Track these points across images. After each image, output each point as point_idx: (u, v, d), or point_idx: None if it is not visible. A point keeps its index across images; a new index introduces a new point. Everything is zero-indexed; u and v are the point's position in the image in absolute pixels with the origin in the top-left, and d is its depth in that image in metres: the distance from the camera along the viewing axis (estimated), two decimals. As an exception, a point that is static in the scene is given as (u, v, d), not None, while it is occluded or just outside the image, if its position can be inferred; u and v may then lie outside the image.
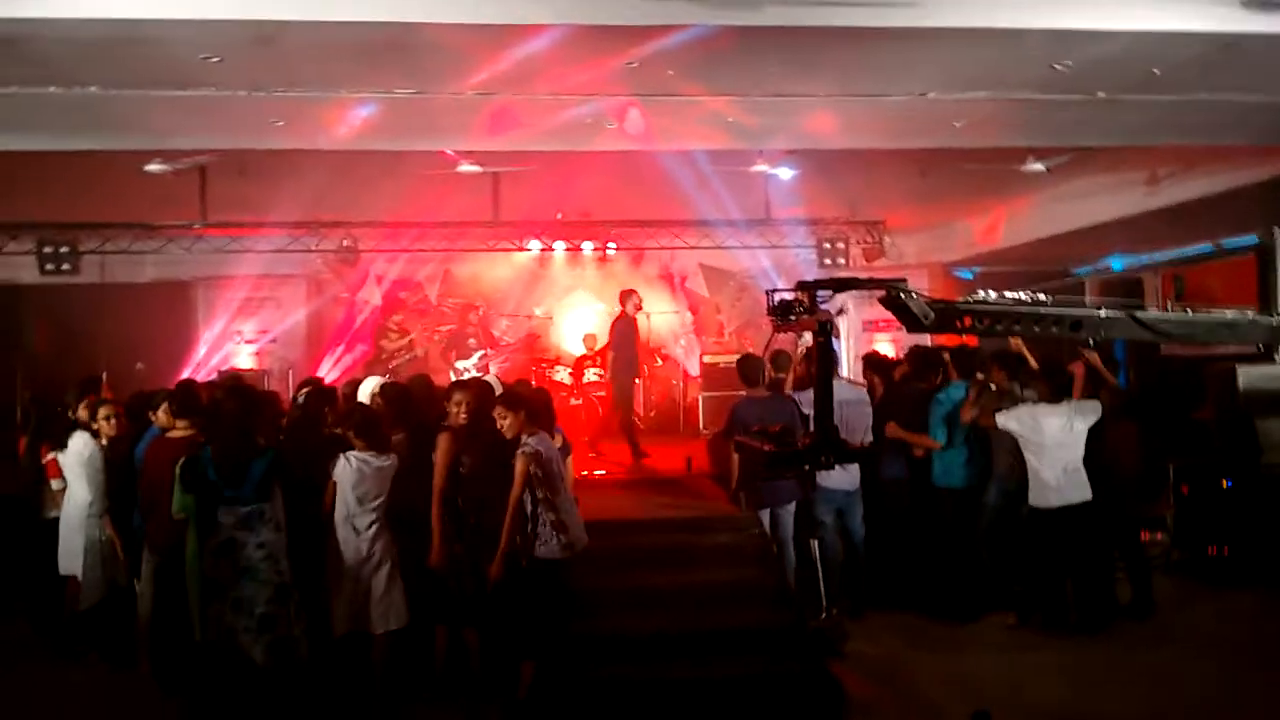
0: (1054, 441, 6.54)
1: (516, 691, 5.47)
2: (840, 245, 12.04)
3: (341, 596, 5.48)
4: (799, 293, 3.69)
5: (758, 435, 3.66)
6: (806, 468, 3.76)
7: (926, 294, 3.80)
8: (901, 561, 7.16)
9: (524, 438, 5.52)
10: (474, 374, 10.20)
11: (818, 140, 8.04)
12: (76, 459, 6.40)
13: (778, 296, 3.70)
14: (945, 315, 3.70)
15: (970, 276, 14.40)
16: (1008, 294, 3.85)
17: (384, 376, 8.22)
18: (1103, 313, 3.81)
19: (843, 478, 6.99)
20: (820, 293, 4.25)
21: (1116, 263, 12.64)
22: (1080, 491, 6.60)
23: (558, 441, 6.03)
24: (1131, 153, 9.06)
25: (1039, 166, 9.11)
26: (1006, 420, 6.66)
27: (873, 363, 8.27)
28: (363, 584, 5.50)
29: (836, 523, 7.11)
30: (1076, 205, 10.82)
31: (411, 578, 5.66)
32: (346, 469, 5.48)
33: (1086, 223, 10.79)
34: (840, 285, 4.07)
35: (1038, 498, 6.61)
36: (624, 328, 10.26)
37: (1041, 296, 3.89)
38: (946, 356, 7.56)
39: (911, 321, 3.63)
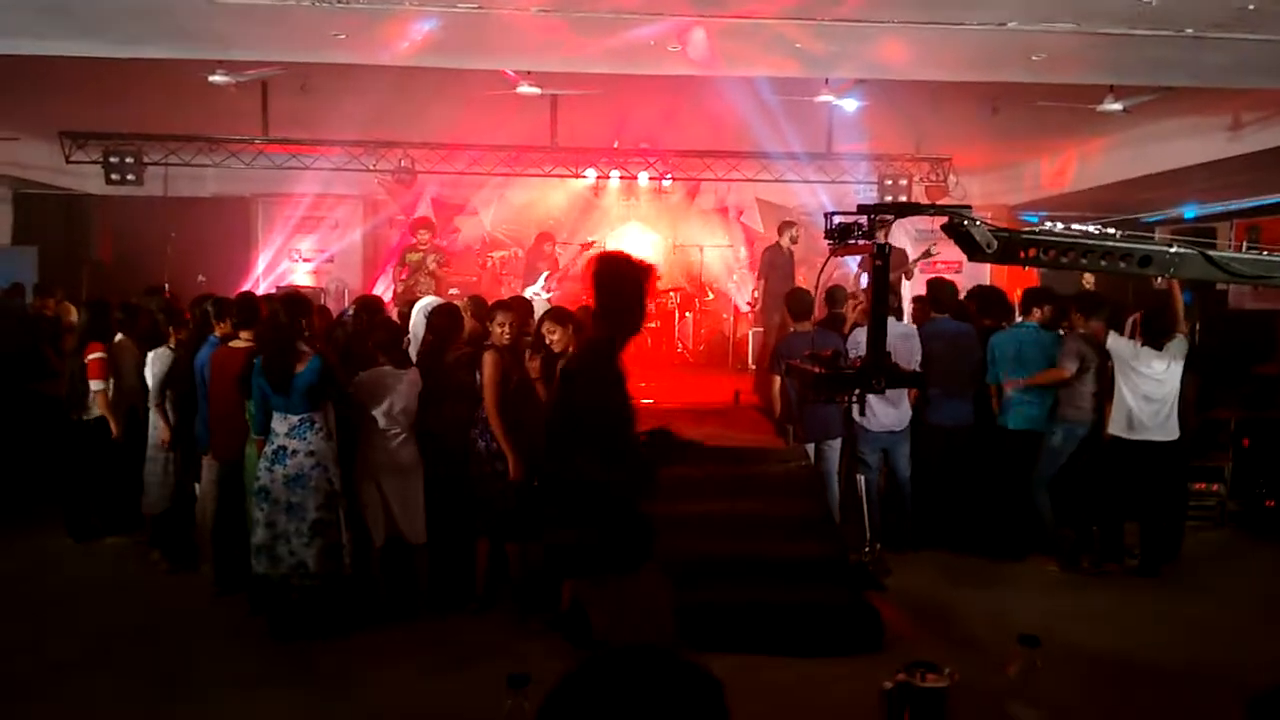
0: (1151, 374, 6.54)
1: (558, 605, 5.57)
2: (903, 182, 11.77)
3: (371, 506, 5.60)
4: (859, 216, 3.61)
5: (808, 359, 3.61)
6: (857, 391, 3.68)
7: (990, 221, 3.67)
8: (952, 502, 7.12)
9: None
10: (545, 298, 10.24)
11: (887, 70, 7.80)
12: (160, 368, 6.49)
13: (836, 220, 3.62)
14: (1009, 245, 3.59)
15: (1036, 220, 14.04)
16: (1075, 226, 3.72)
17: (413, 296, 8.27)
18: (1173, 249, 3.66)
19: (890, 417, 6.95)
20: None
21: (1189, 210, 12.22)
22: (1165, 431, 6.59)
23: None
24: (1215, 95, 8.67)
25: (1117, 106, 8.75)
26: (1116, 341, 6.66)
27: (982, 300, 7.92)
28: (393, 495, 5.63)
29: (882, 461, 7.08)
30: (1153, 149, 10.43)
31: (452, 494, 5.77)
32: (360, 384, 5.60)
33: (1162, 167, 10.42)
34: (902, 210, 3.96)
35: (1120, 426, 6.59)
36: (773, 259, 10.22)
37: (1110, 230, 3.75)
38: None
39: (974, 249, 3.53)
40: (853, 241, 3.58)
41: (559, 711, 1.17)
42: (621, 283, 3.82)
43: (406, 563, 5.79)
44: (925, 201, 12.30)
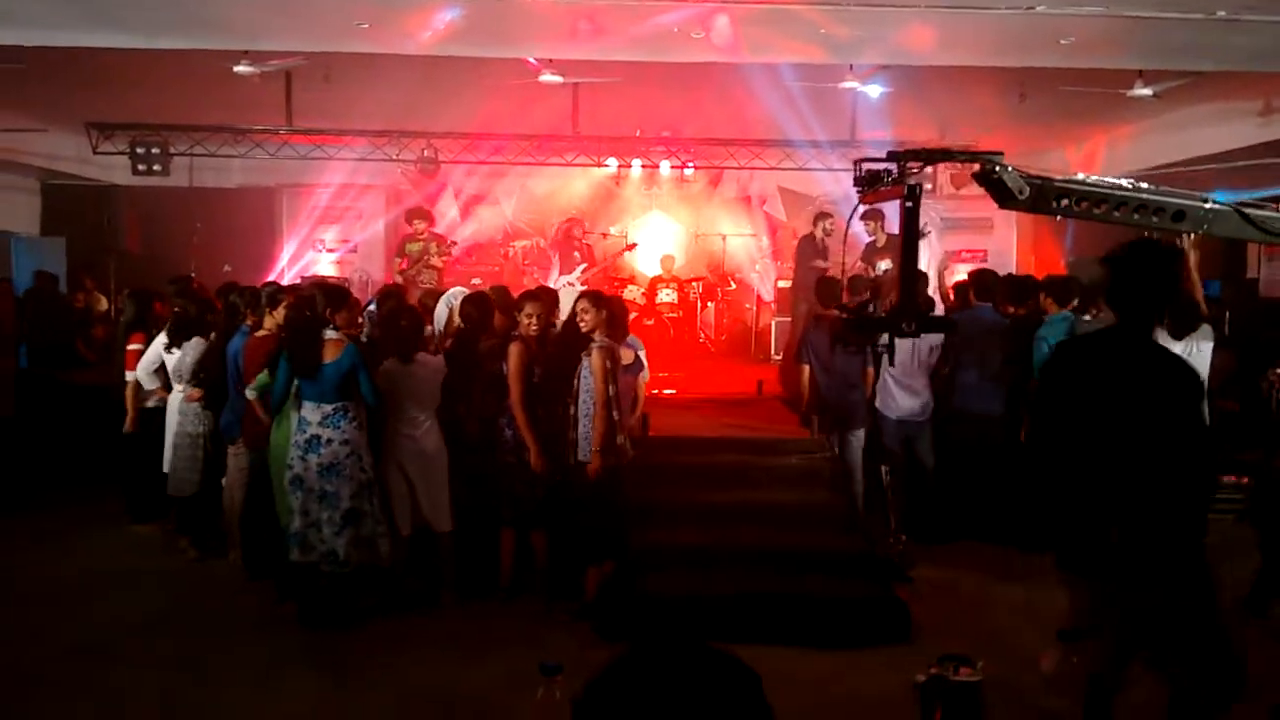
0: None
1: (584, 595, 5.59)
2: (927, 169, 11.65)
3: (397, 495, 5.62)
4: (888, 162, 3.59)
5: (838, 307, 3.61)
6: (887, 335, 3.64)
7: (1022, 170, 3.62)
8: (978, 493, 7.05)
9: (598, 335, 5.55)
10: (578, 288, 10.19)
11: (912, 56, 7.73)
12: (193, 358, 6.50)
13: (865, 166, 3.60)
14: (1041, 193, 3.54)
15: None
16: (1108, 178, 3.67)
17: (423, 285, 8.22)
18: (1208, 204, 3.59)
19: (910, 405, 6.91)
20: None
21: (1220, 197, 12.02)
22: None
23: (629, 356, 6.04)
24: (1246, 79, 8.53)
25: (1146, 91, 8.63)
26: None
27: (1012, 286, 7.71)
28: (418, 483, 5.65)
29: (906, 450, 7.04)
30: (1182, 135, 10.28)
31: (479, 483, 5.79)
32: (384, 373, 5.61)
33: (1192, 154, 10.26)
34: (932, 156, 3.91)
35: None
36: (806, 249, 10.19)
37: (1144, 184, 3.69)
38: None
39: (1005, 196, 3.50)
40: (881, 188, 3.55)
41: (598, 702, 1.17)
42: None
43: (432, 551, 5.81)
44: (950, 189, 12.24)
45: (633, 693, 1.16)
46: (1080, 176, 3.59)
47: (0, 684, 4.74)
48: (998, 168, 3.47)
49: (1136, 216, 3.57)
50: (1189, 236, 6.94)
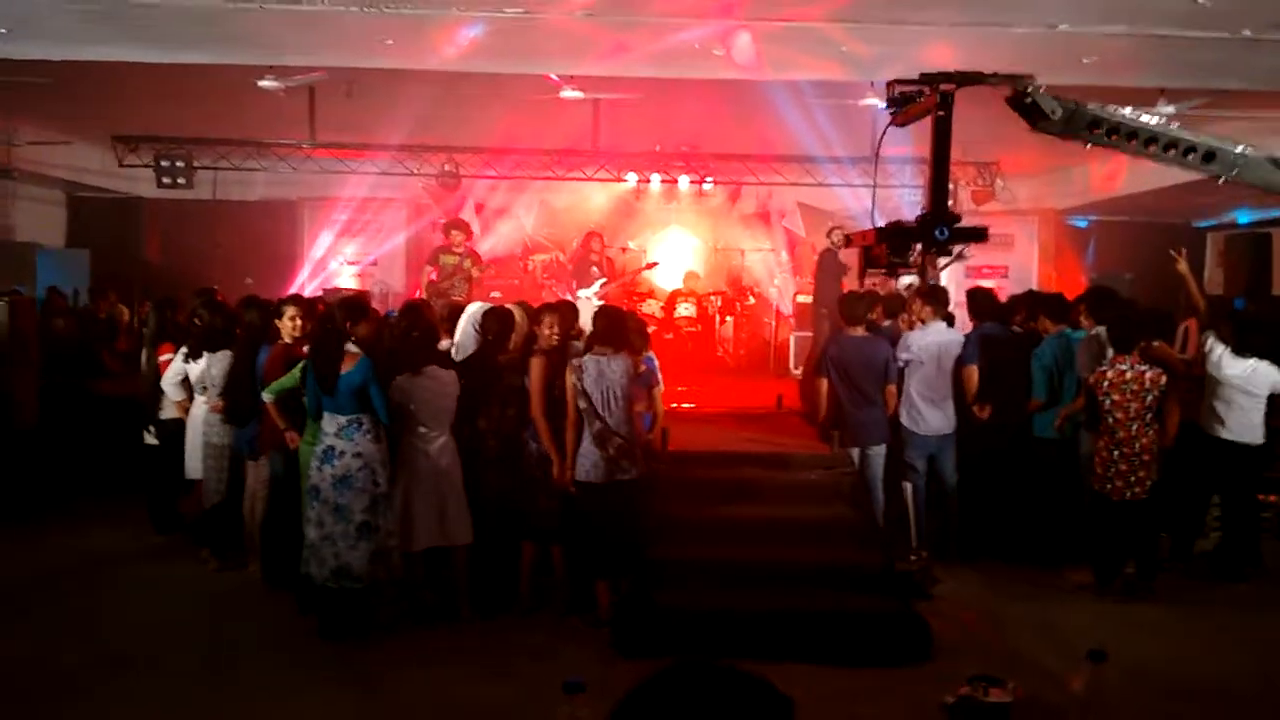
0: (1232, 375, 6.42)
1: (598, 609, 5.58)
2: (949, 186, 11.62)
3: (411, 511, 5.59)
4: (921, 84, 3.58)
5: (862, 236, 3.60)
6: (919, 245, 3.60)
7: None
8: (996, 509, 7.00)
9: (585, 353, 5.57)
10: (596, 302, 10.20)
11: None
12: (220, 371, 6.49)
13: (899, 89, 3.59)
14: (1075, 117, 3.53)
15: (1085, 225, 13.82)
16: (1144, 117, 3.64)
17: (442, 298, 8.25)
18: (1240, 149, 3.55)
19: (937, 421, 6.87)
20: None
21: (1243, 216, 11.96)
22: (1248, 433, 6.47)
23: (640, 369, 6.03)
24: (1269, 98, 8.48)
25: (1169, 110, 8.58)
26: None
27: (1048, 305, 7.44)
28: (433, 496, 5.62)
29: (928, 467, 6.99)
30: (1205, 153, 10.21)
31: (498, 496, 5.80)
32: (397, 387, 5.59)
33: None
34: (964, 79, 3.88)
35: (1208, 424, 6.53)
36: (826, 263, 10.19)
37: (1175, 125, 3.66)
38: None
39: (1037, 117, 3.48)
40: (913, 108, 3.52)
41: (629, 722, 1.16)
42: None
43: (449, 564, 5.81)
44: (972, 205, 12.18)
45: (660, 716, 1.15)
46: (1112, 108, 3.56)
47: (31, 690, 4.78)
48: (1030, 89, 3.46)
49: (1169, 153, 3.53)
50: (1184, 261, 6.97)
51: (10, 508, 7.49)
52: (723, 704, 1.16)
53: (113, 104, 10.13)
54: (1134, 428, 6.16)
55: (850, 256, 10.33)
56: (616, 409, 5.51)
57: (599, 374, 5.52)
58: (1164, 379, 6.20)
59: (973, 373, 6.89)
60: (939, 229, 3.42)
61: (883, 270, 4.43)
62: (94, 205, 13.60)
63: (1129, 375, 6.16)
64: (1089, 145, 3.68)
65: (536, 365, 5.70)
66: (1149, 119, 3.71)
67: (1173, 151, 3.48)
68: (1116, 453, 6.20)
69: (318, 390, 5.43)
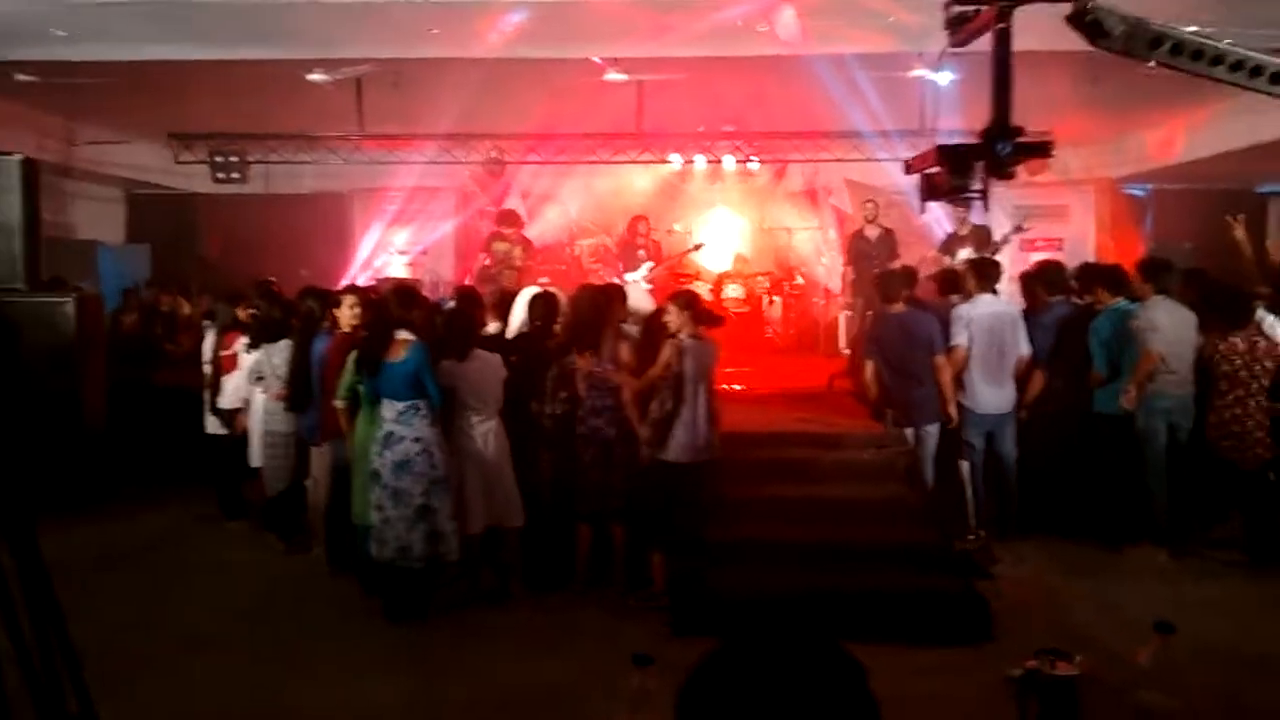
0: None
1: (654, 586, 5.63)
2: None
3: (465, 493, 5.68)
4: (977, 2, 3.50)
5: (919, 160, 3.52)
6: (981, 161, 3.51)
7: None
8: (1057, 487, 6.90)
9: (683, 334, 5.60)
10: (644, 286, 10.25)
11: (983, 41, 7.56)
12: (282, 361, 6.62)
13: (954, 9, 3.51)
14: (1138, 29, 3.40)
15: (1142, 194, 13.49)
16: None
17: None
18: None
19: (996, 399, 6.79)
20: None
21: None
22: None
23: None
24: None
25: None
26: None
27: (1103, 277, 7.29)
28: (484, 479, 5.71)
29: (986, 445, 6.91)
30: (1268, 116, 9.86)
31: (555, 478, 5.86)
32: (444, 372, 5.65)
33: (1277, 135, 9.87)
34: None
35: None
36: (858, 246, 10.13)
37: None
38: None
39: (1097, 34, 3.38)
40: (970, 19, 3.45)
41: (702, 691, 1.18)
42: None
43: (503, 545, 5.90)
44: (1025, 176, 11.87)
45: (738, 682, 1.17)
46: (1176, 27, 3.45)
47: (113, 669, 4.93)
48: (1090, 4, 3.36)
49: (1236, 74, 3.39)
50: (1243, 228, 6.79)
51: (80, 499, 7.73)
52: (797, 667, 1.18)
53: (168, 102, 10.33)
54: (1263, 399, 6.27)
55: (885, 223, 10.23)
56: (706, 391, 5.66)
57: (695, 357, 5.61)
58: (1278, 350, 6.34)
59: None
60: (1000, 144, 3.32)
61: (943, 200, 4.23)
62: (152, 202, 13.92)
63: (1261, 347, 6.28)
64: (1152, 64, 3.54)
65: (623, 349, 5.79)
66: (1219, 44, 3.58)
67: (1239, 71, 3.34)
68: (1251, 422, 6.25)
69: (366, 377, 5.54)
